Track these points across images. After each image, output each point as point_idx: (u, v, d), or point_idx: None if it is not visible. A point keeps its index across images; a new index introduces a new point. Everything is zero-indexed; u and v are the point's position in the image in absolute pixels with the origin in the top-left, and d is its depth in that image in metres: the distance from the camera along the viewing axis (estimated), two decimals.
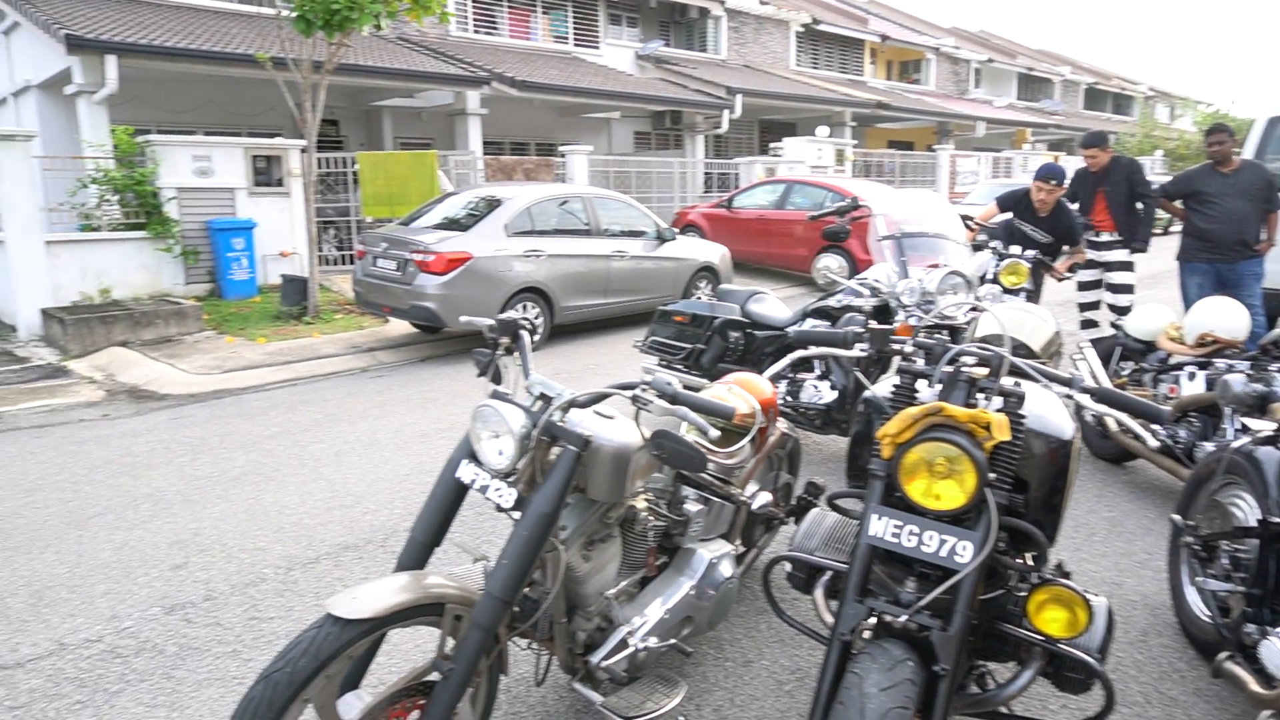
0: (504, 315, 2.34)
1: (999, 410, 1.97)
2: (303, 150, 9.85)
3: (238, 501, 4.43)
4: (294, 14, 8.35)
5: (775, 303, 5.22)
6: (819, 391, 4.55)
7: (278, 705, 1.72)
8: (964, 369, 2.02)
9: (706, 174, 17.26)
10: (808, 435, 5.28)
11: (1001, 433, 1.86)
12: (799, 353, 2.68)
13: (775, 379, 4.36)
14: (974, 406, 1.99)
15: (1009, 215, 6.16)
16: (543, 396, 2.13)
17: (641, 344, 5.56)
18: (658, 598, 2.53)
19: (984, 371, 2.03)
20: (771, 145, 17.79)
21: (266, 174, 10.70)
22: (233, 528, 4.10)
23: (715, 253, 9.98)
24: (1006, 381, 2.02)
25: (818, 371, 4.67)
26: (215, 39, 12.25)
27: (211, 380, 7.12)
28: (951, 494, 1.87)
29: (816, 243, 11.72)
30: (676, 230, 10.26)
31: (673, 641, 2.49)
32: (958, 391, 2.00)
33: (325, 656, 1.77)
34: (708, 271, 9.76)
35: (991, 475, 1.87)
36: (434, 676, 2.04)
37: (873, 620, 1.92)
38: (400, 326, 8.91)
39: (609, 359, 7.84)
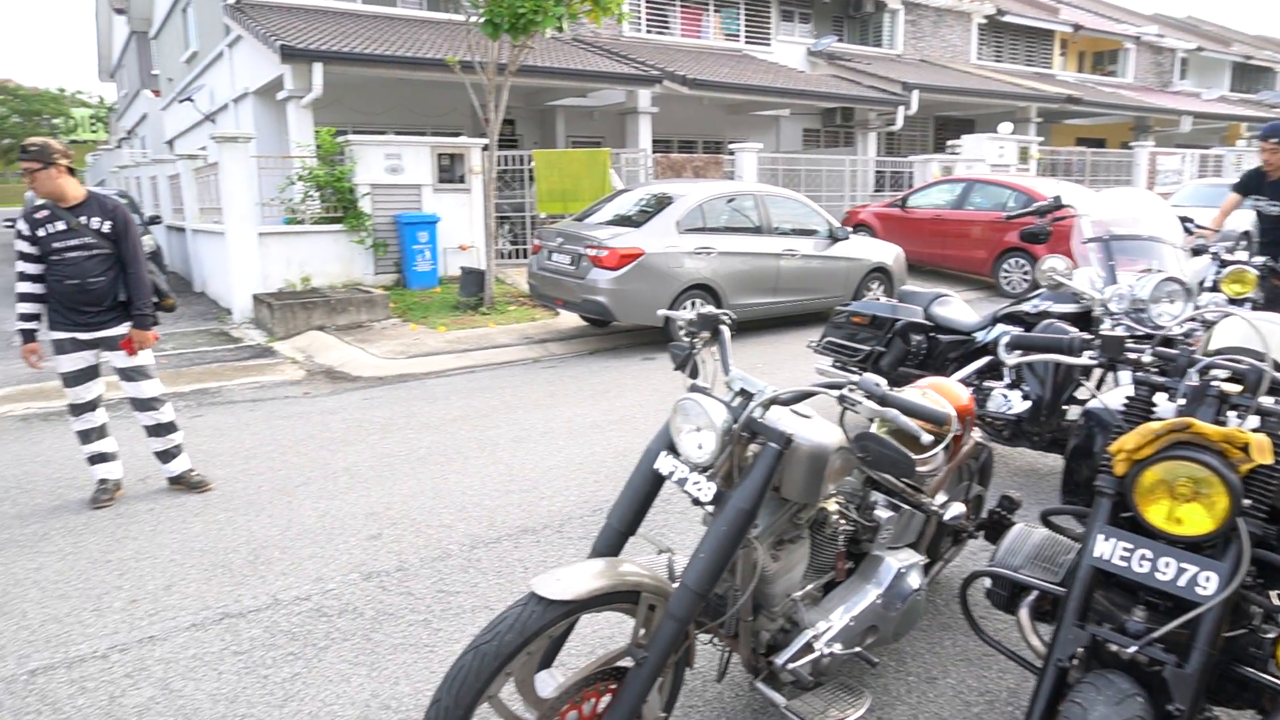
0: (708, 310, 2.34)
1: (1256, 430, 1.77)
2: (484, 149, 10.30)
3: (424, 480, 4.69)
4: (482, 19, 8.74)
5: (961, 306, 4.97)
6: (1008, 400, 4.29)
7: (485, 675, 1.79)
8: (1214, 383, 1.83)
9: (878, 172, 16.73)
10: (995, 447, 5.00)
11: (1262, 455, 1.67)
12: (1016, 358, 2.53)
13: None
14: (1224, 425, 1.80)
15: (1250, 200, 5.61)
16: (743, 392, 2.11)
17: (816, 344, 5.44)
18: (843, 604, 2.46)
19: (1237, 387, 1.83)
20: (949, 143, 17.02)
21: (450, 171, 11.27)
22: (420, 504, 4.33)
23: (889, 253, 9.65)
24: (1266, 399, 1.82)
25: (1007, 380, 4.41)
26: (407, 45, 13.02)
27: (397, 365, 7.57)
28: (1196, 519, 1.70)
29: (998, 244, 11.12)
30: (850, 229, 9.99)
31: (858, 650, 2.41)
32: (1206, 407, 1.82)
33: (529, 633, 1.82)
34: (880, 273, 9.45)
35: (1246, 502, 1.69)
36: (625, 662, 2.06)
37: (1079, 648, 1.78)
38: (570, 319, 9.16)
39: (776, 358, 7.74)
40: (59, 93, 59.93)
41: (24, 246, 4.10)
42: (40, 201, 4.08)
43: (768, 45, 19.97)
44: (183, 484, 4.56)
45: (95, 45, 34.02)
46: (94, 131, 44.95)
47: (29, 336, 4.19)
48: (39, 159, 3.95)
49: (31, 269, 4.12)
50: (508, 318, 9.36)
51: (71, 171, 4.09)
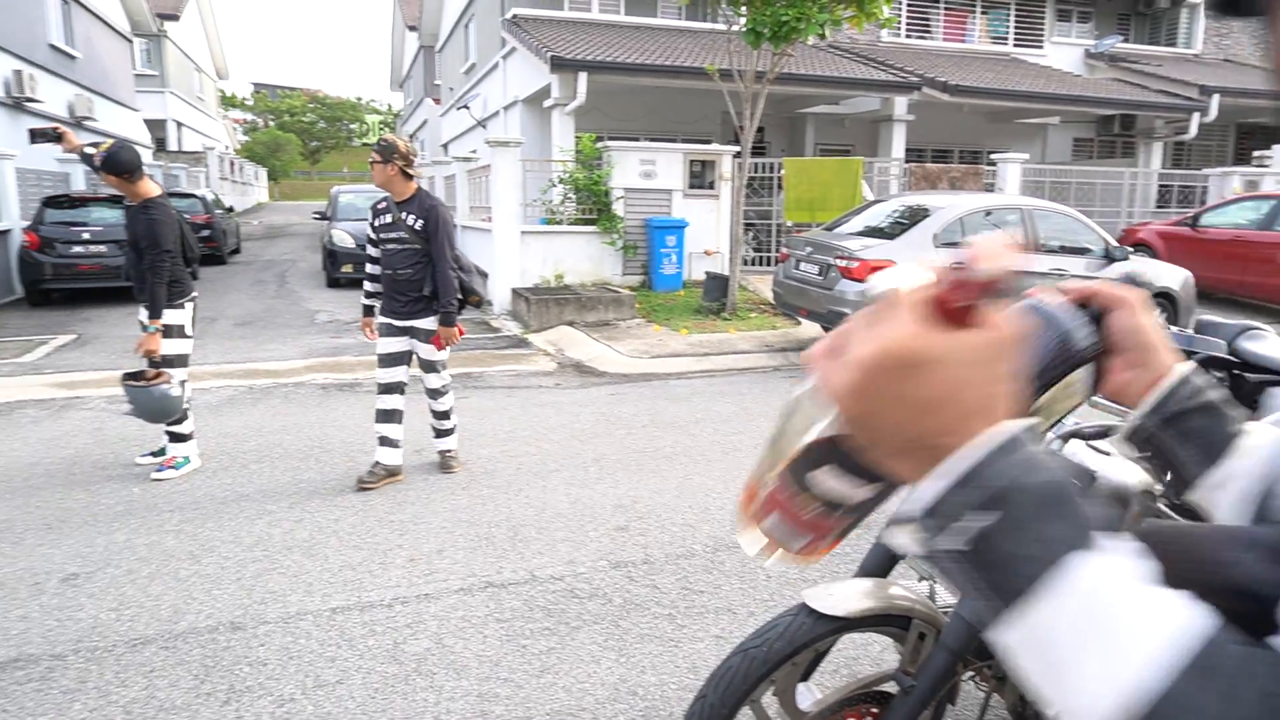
0: None
1: None
2: (735, 155, 10.41)
3: (669, 477, 4.81)
4: (744, 27, 8.83)
5: (1278, 341, 4.35)
6: None
7: (751, 679, 1.80)
8: None
9: (1163, 186, 15.06)
10: None
11: None
12: None
13: None
14: None
15: None
16: None
17: None
18: None
19: None
20: (1255, 154, 14.98)
21: (700, 177, 11.50)
22: (665, 501, 4.45)
23: (1175, 277, 8.65)
24: None
25: None
26: (666, 54, 13.44)
27: (641, 364, 7.84)
28: None
29: None
30: (1129, 249, 9.08)
31: None
32: None
33: (798, 644, 1.81)
34: (1165, 298, 8.50)
35: None
36: (889, 687, 1.99)
37: None
38: (812, 329, 9.04)
39: None
40: (356, 101, 67.86)
41: (369, 233, 4.69)
42: (384, 195, 4.62)
43: (1039, 48, 18.61)
44: (440, 463, 4.96)
45: (389, 59, 38.20)
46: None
47: (367, 312, 4.77)
48: (380, 154, 4.43)
49: (373, 253, 4.69)
50: (749, 324, 9.41)
51: (406, 174, 4.47)
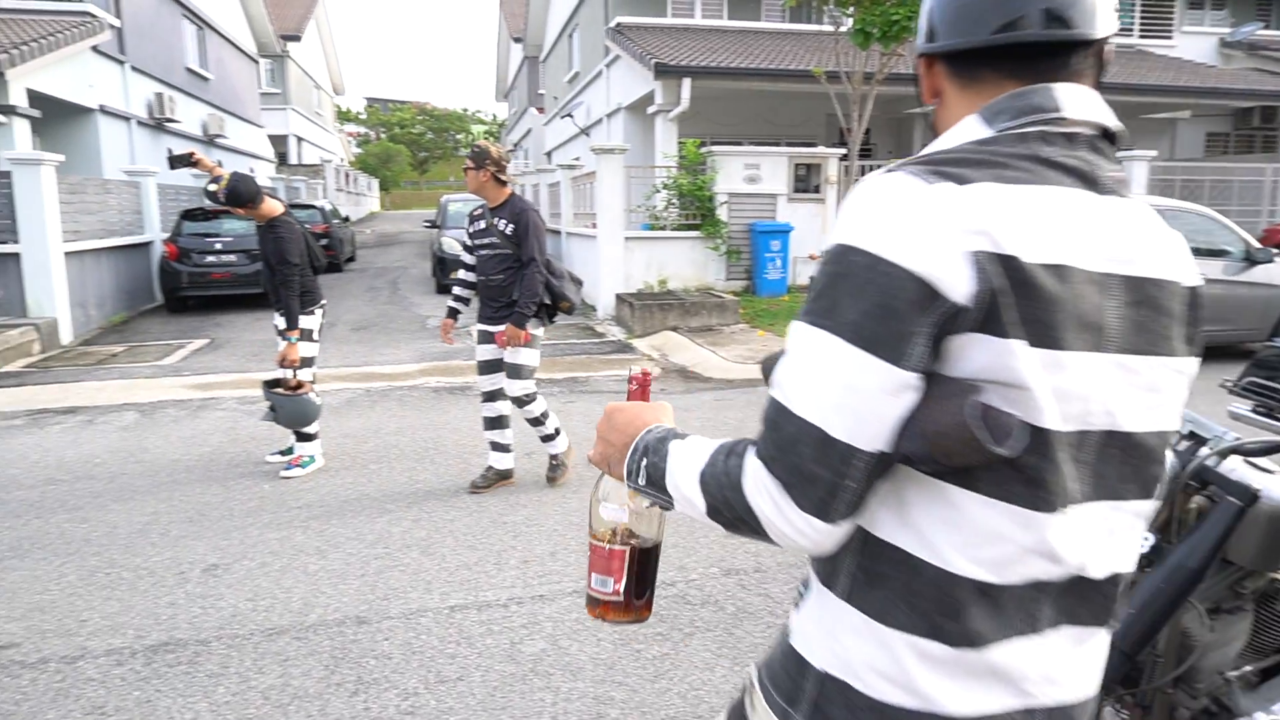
0: None
1: None
2: (841, 158, 10.24)
3: None
4: (852, 28, 8.68)
5: None
6: None
7: None
8: None
9: None
10: None
11: None
12: None
13: None
14: None
15: None
16: (1193, 435, 1.86)
17: (1233, 384, 4.67)
18: None
19: None
20: None
21: (805, 181, 11.35)
22: None
23: None
24: None
25: None
26: (769, 58, 13.34)
27: (745, 369, 7.78)
28: None
29: None
30: (1274, 250, 8.48)
31: None
32: None
33: None
34: None
35: None
36: None
37: None
38: None
39: None
40: (462, 112, 69.92)
41: (464, 239, 4.79)
42: (479, 201, 4.72)
43: (1168, 38, 17.62)
44: (508, 479, 4.89)
45: (494, 70, 39.24)
46: None
47: (450, 314, 4.84)
48: (473, 160, 4.51)
49: (467, 259, 4.77)
50: None
51: (499, 179, 4.54)
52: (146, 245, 12.54)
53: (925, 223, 0.78)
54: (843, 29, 9.04)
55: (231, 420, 6.38)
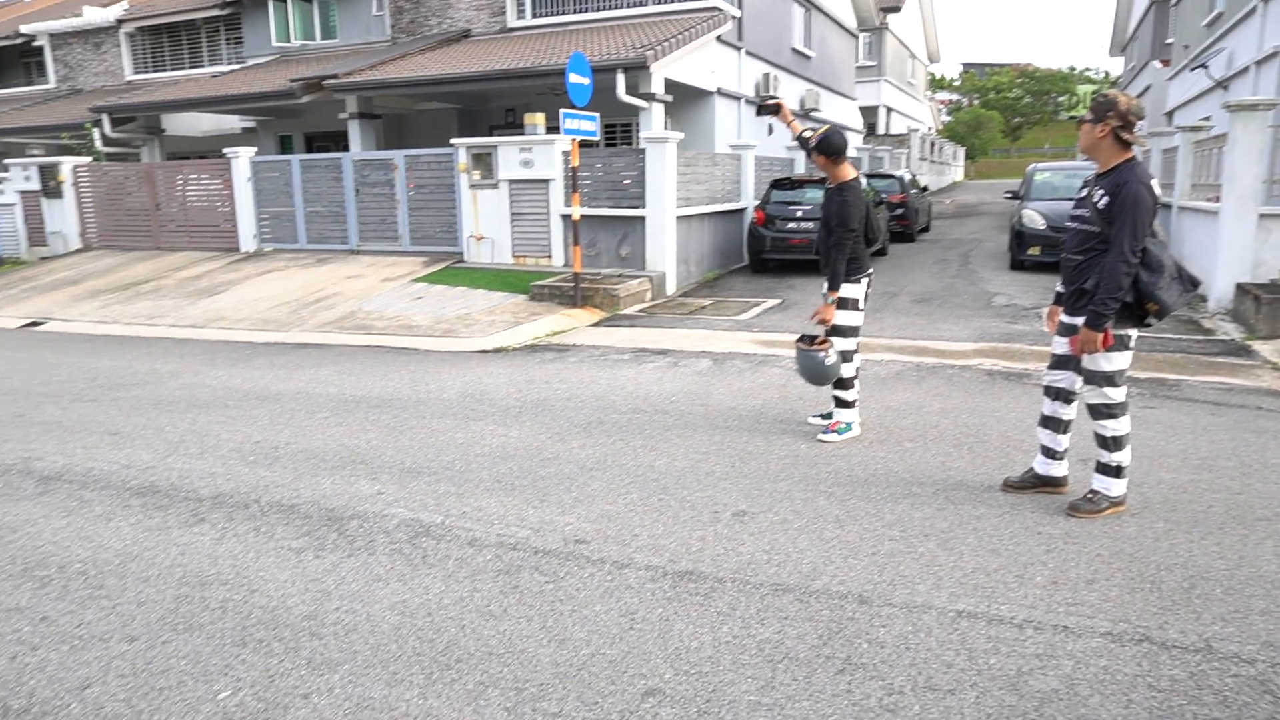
0: None
1: None
2: None
3: None
4: None
5: None
6: None
7: None
8: None
9: None
10: None
11: None
12: None
13: None
14: None
15: None
16: None
17: None
18: None
19: None
20: None
21: None
22: None
23: None
24: None
25: None
26: None
27: None
28: None
29: None
30: None
31: None
32: None
33: None
34: None
35: None
36: None
37: None
38: None
39: None
40: (1067, 71, 63.66)
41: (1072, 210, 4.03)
42: (1074, 169, 4.03)
43: None
44: (1053, 487, 4.24)
45: (1111, 21, 34.72)
46: None
47: (1057, 300, 4.09)
48: (1094, 110, 3.76)
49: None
50: None
51: (1120, 139, 3.70)
52: (740, 211, 14.04)
53: None
54: None
55: (785, 378, 6.81)
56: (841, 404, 5.23)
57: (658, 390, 6.55)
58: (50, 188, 16.11)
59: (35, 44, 23.29)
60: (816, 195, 12.64)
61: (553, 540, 3.85)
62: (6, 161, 16.89)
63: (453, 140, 12.56)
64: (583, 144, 11.03)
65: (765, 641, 2.95)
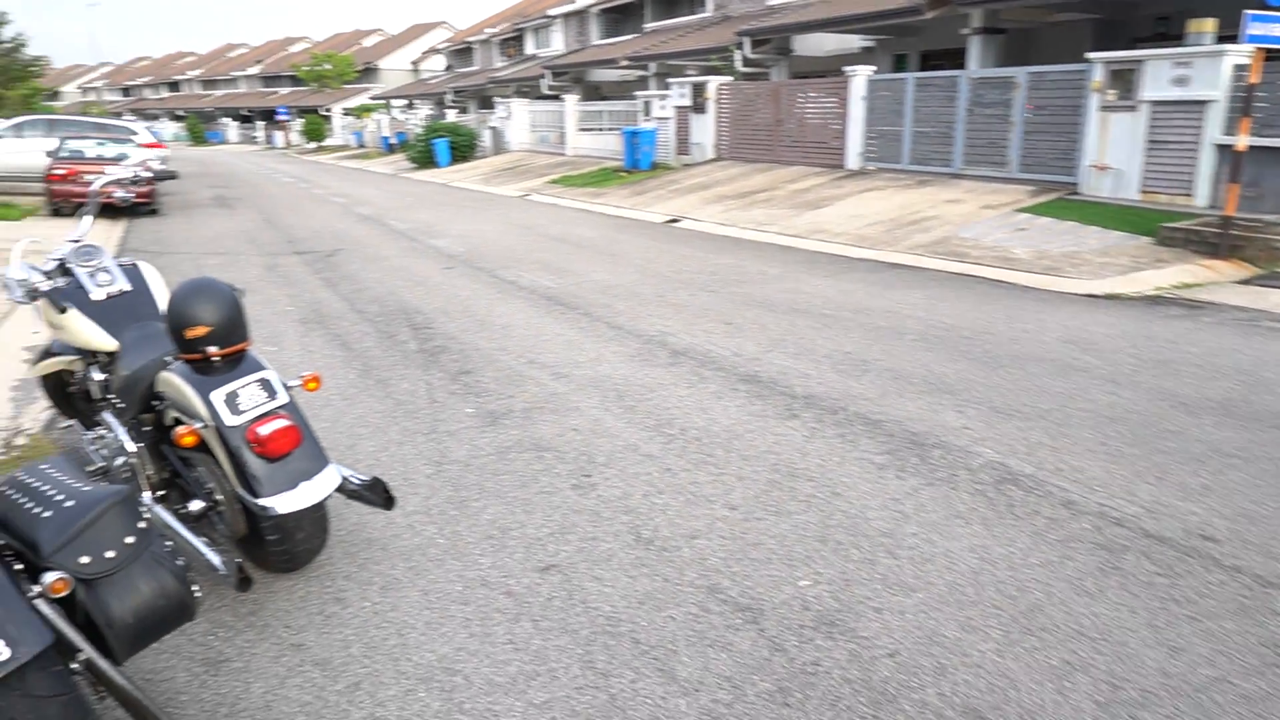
0: None
1: None
2: None
3: None
4: None
5: None
6: None
7: None
8: None
9: None
10: None
11: None
12: None
13: None
14: None
15: None
16: None
17: None
18: None
19: None
20: None
21: None
22: None
23: None
24: None
25: None
26: None
27: None
28: None
29: None
30: None
31: None
32: None
33: None
34: None
35: None
36: None
37: None
38: None
39: None
40: None
41: None
42: None
43: None
44: None
45: None
46: None
47: None
48: None
49: None
50: None
51: None
52: None
53: None
54: None
55: None
56: None
57: None
58: (697, 104, 18.66)
59: None
60: None
61: (1170, 528, 3.26)
62: (669, 80, 19.97)
63: (1088, 55, 11.14)
64: (1269, 55, 8.85)
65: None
